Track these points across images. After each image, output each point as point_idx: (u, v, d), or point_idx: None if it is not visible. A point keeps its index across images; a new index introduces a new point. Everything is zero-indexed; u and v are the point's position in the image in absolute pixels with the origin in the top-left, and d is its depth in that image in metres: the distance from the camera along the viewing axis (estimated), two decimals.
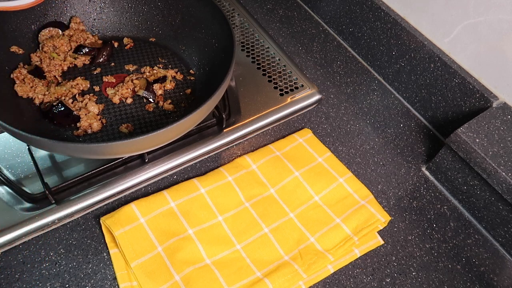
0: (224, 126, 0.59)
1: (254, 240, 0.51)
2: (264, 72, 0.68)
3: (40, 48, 0.61)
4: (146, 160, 0.55)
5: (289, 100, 0.64)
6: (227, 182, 0.55)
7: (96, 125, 0.55)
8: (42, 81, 0.58)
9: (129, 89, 0.59)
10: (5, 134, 0.55)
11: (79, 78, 0.59)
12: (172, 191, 0.53)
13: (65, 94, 0.57)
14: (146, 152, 0.54)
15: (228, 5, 0.77)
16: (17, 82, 0.56)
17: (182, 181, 0.55)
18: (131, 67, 0.63)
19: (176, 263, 0.48)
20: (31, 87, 0.57)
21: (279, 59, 0.70)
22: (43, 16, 0.62)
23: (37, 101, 0.56)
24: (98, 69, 0.62)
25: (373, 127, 0.66)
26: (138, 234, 0.49)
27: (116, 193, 0.53)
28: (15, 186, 0.51)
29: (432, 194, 0.59)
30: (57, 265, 0.48)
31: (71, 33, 0.63)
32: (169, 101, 0.59)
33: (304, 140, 0.61)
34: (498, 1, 0.53)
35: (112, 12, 0.66)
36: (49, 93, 0.57)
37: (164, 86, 0.60)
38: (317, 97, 0.66)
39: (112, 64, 0.63)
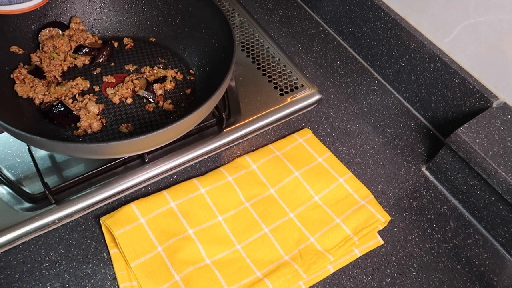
0: (224, 126, 0.59)
1: (254, 240, 0.51)
2: (264, 72, 0.68)
3: (40, 48, 0.61)
4: (146, 160, 0.55)
5: (289, 100, 0.64)
6: (227, 182, 0.55)
7: (96, 125, 0.55)
8: (42, 81, 0.58)
9: (129, 89, 0.59)
10: (5, 134, 0.55)
11: (79, 78, 0.59)
12: (172, 191, 0.53)
13: (65, 94, 0.57)
14: (146, 152, 0.54)
15: (228, 5, 0.77)
16: (17, 82, 0.56)
17: (182, 181, 0.55)
18: (131, 67, 0.63)
19: (176, 263, 0.48)
20: (31, 87, 0.57)
21: (279, 59, 0.70)
22: (43, 16, 0.62)
23: (37, 101, 0.56)
24: (98, 69, 0.62)
25: (373, 127, 0.66)
26: (138, 234, 0.49)
27: (116, 193, 0.53)
28: (15, 186, 0.51)
29: (432, 194, 0.59)
30: (57, 265, 0.48)
31: (71, 33, 0.63)
32: (169, 101, 0.59)
33: (304, 140, 0.61)
34: (498, 1, 0.53)
35: (112, 12, 0.66)
36: (49, 93, 0.57)
37: (164, 86, 0.60)
38: (317, 97, 0.66)
39: (112, 64, 0.63)
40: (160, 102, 0.59)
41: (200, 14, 0.62)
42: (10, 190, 0.51)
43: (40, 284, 0.47)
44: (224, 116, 0.58)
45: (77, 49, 0.62)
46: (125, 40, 0.66)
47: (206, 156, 0.58)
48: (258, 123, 0.61)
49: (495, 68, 0.56)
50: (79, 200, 0.51)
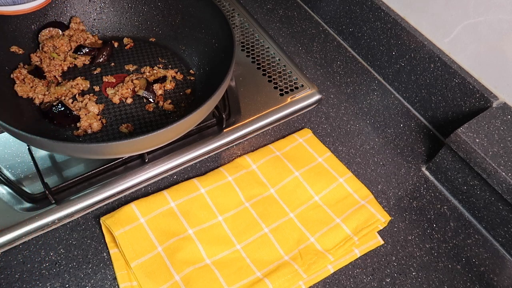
0: (224, 126, 0.59)
1: (254, 240, 0.51)
2: (264, 72, 0.68)
3: (40, 48, 0.61)
4: (146, 160, 0.55)
5: (289, 100, 0.64)
6: (227, 182, 0.55)
7: (96, 125, 0.55)
8: (42, 81, 0.58)
9: (129, 89, 0.59)
10: (5, 134, 0.55)
11: (79, 78, 0.59)
12: (172, 191, 0.53)
13: (65, 94, 0.57)
14: (146, 152, 0.54)
15: (228, 5, 0.77)
16: (17, 82, 0.56)
17: (182, 181, 0.55)
18: (131, 67, 0.63)
19: (176, 263, 0.48)
20: (31, 87, 0.57)
21: (279, 59, 0.70)
22: (43, 16, 0.62)
23: (37, 101, 0.56)
24: (98, 69, 0.62)
25: (373, 127, 0.66)
26: (138, 234, 0.49)
27: (116, 193, 0.53)
28: (15, 186, 0.51)
29: (432, 194, 0.59)
30: (57, 265, 0.48)
31: (71, 33, 0.63)
32: (169, 101, 0.59)
33: (304, 140, 0.61)
34: (498, 1, 0.53)
35: (112, 12, 0.66)
36: (49, 93, 0.57)
37: (164, 86, 0.60)
38: (317, 97, 0.66)
39: (112, 64, 0.63)
40: (160, 102, 0.59)
41: (200, 14, 0.62)
42: (10, 190, 0.51)
43: (40, 284, 0.47)
44: (224, 116, 0.58)
45: (77, 49, 0.62)
46: (125, 40, 0.66)
47: (206, 156, 0.58)
48: (258, 123, 0.61)
49: (495, 68, 0.56)
50: (79, 200, 0.51)
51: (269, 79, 0.67)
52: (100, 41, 0.64)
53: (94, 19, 0.66)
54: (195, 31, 0.63)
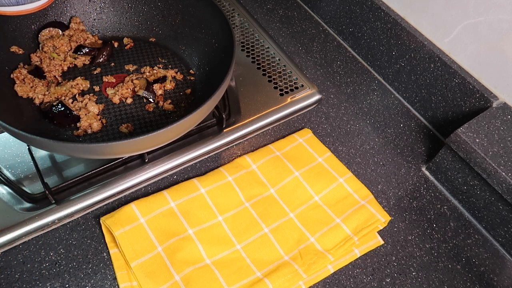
0: (224, 126, 0.59)
1: (254, 240, 0.51)
2: (264, 72, 0.68)
3: (40, 48, 0.61)
4: (146, 160, 0.55)
5: (289, 100, 0.64)
6: (227, 182, 0.55)
7: (96, 125, 0.55)
8: (42, 81, 0.58)
9: (129, 89, 0.59)
10: (5, 134, 0.55)
11: (79, 78, 0.59)
12: (172, 191, 0.53)
13: (65, 94, 0.57)
14: (146, 152, 0.54)
15: (228, 5, 0.77)
16: (17, 82, 0.56)
17: (182, 181, 0.55)
18: (131, 67, 0.63)
19: (176, 263, 0.48)
20: (31, 87, 0.57)
21: (279, 59, 0.70)
22: (43, 16, 0.62)
23: (37, 101, 0.56)
24: (98, 69, 0.62)
25: (373, 127, 0.66)
26: (138, 234, 0.49)
27: (116, 193, 0.53)
28: (15, 186, 0.51)
29: (432, 194, 0.59)
30: (57, 265, 0.48)
31: (71, 33, 0.63)
32: (169, 101, 0.59)
33: (304, 140, 0.61)
34: (498, 1, 0.53)
35: (112, 12, 0.66)
36: (49, 93, 0.57)
37: (164, 86, 0.60)
38: (317, 97, 0.66)
39: (112, 64, 0.63)
40: (160, 102, 0.59)
41: (200, 14, 0.62)
42: (10, 190, 0.51)
43: (40, 284, 0.47)
44: (224, 116, 0.58)
45: (77, 49, 0.62)
46: (125, 40, 0.66)
47: (206, 156, 0.58)
48: (258, 123, 0.61)
49: (495, 68, 0.56)
50: (79, 200, 0.51)
51: (269, 79, 0.67)
52: (100, 41, 0.64)
53: (94, 19, 0.66)
54: (195, 31, 0.63)
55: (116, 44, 0.65)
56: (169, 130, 0.46)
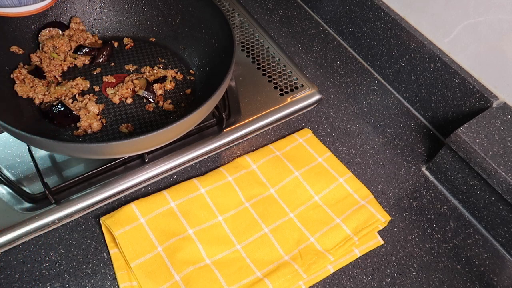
0: (224, 126, 0.59)
1: (254, 240, 0.51)
2: (264, 72, 0.68)
3: (40, 48, 0.61)
4: (146, 160, 0.55)
5: (289, 100, 0.64)
6: (227, 182, 0.55)
7: (96, 125, 0.55)
8: (42, 81, 0.58)
9: (129, 89, 0.59)
10: (5, 134, 0.55)
11: (79, 78, 0.59)
12: (172, 191, 0.53)
13: (65, 94, 0.57)
14: (146, 152, 0.54)
15: (228, 5, 0.77)
16: (17, 82, 0.56)
17: (182, 181, 0.55)
18: (131, 67, 0.63)
19: (176, 263, 0.48)
20: (31, 87, 0.57)
21: (279, 59, 0.70)
22: (43, 16, 0.62)
23: (37, 101, 0.56)
24: (98, 69, 0.62)
25: (373, 127, 0.66)
26: (138, 234, 0.49)
27: (116, 193, 0.53)
28: (15, 186, 0.51)
29: (432, 194, 0.59)
30: (57, 265, 0.48)
31: (71, 33, 0.63)
32: (169, 101, 0.59)
33: (304, 140, 0.61)
34: (498, 1, 0.53)
35: (112, 12, 0.66)
36: (49, 93, 0.57)
37: (164, 86, 0.60)
38: (317, 97, 0.66)
39: (112, 64, 0.63)
40: (160, 102, 0.59)
41: (200, 14, 0.62)
42: (10, 190, 0.51)
43: (40, 284, 0.47)
44: (224, 116, 0.58)
45: (77, 49, 0.62)
46: (125, 40, 0.66)
47: (206, 156, 0.58)
48: (258, 123, 0.61)
49: (495, 68, 0.56)
50: (79, 200, 0.51)
51: (269, 79, 0.67)
52: (100, 41, 0.64)
53: (94, 19, 0.66)
54: (195, 31, 0.63)
55: (116, 44, 0.65)
56: (169, 130, 0.46)
